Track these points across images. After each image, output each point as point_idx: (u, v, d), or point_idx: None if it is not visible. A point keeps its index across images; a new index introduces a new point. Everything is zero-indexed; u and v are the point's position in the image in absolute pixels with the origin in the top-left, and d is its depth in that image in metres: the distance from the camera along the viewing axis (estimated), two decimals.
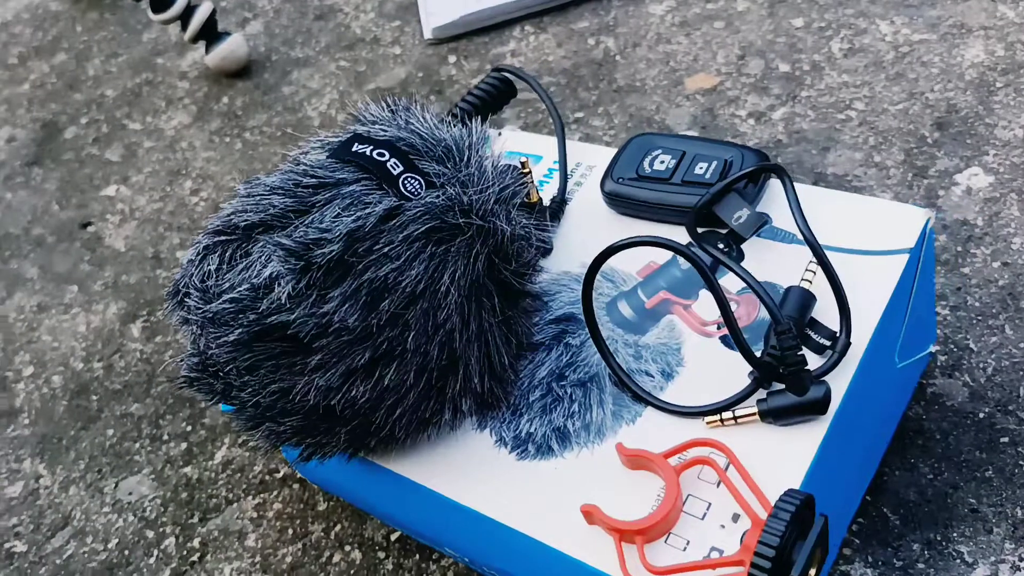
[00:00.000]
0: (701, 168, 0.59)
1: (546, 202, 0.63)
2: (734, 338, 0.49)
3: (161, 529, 0.70)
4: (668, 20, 0.94)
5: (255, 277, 0.46)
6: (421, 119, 0.54)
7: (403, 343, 0.48)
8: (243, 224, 0.49)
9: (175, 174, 0.96)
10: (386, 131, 0.53)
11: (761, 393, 0.51)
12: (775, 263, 0.56)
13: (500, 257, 0.52)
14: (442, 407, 0.52)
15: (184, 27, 1.00)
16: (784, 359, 0.49)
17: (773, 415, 0.49)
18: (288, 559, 0.66)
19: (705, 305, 0.56)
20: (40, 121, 1.07)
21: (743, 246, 0.57)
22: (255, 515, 0.69)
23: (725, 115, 0.83)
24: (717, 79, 0.87)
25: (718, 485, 0.48)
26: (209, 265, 0.48)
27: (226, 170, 0.94)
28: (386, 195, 0.49)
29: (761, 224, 0.56)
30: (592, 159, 0.66)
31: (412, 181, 0.50)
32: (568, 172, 0.66)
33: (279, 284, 0.46)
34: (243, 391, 0.48)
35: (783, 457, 0.49)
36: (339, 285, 0.47)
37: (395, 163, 0.50)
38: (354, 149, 0.51)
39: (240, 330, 0.46)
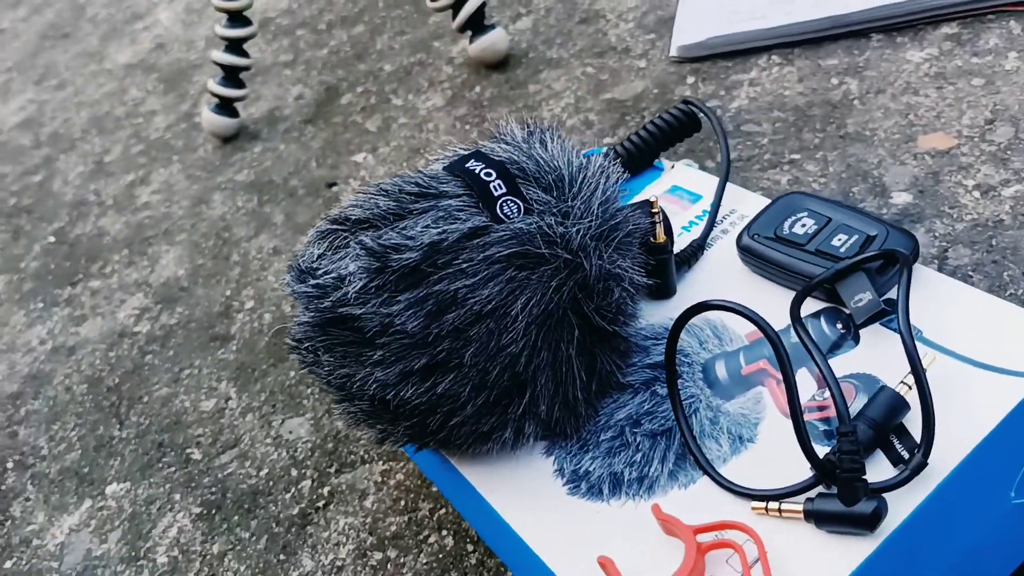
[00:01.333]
0: (840, 240, 0.56)
1: (684, 244, 0.62)
2: (795, 426, 0.47)
3: (303, 471, 0.78)
4: (923, 69, 0.87)
5: (342, 269, 0.50)
6: (546, 145, 0.56)
7: (461, 357, 0.50)
8: (353, 218, 0.53)
9: (415, 152, 1.03)
10: (506, 152, 0.55)
11: (816, 491, 0.47)
12: (887, 357, 0.52)
13: (584, 293, 0.52)
14: (504, 425, 0.54)
15: (455, 16, 1.07)
16: (841, 463, 0.45)
17: (817, 518, 0.46)
18: (392, 528, 0.71)
19: (802, 385, 0.53)
20: (325, 84, 1.19)
21: (864, 331, 0.53)
22: (379, 480, 0.75)
23: (950, 182, 0.76)
24: (955, 141, 0.79)
25: None
26: (317, 249, 0.53)
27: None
28: (479, 214, 0.51)
29: (875, 312, 0.51)
30: (750, 208, 0.64)
31: (511, 204, 0.52)
32: (719, 219, 0.64)
33: (351, 280, 0.50)
34: (321, 368, 0.53)
35: (818, 565, 0.45)
36: (409, 291, 0.50)
37: (499, 184, 0.52)
38: (467, 165, 0.53)
39: (314, 313, 0.50)
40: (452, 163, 0.54)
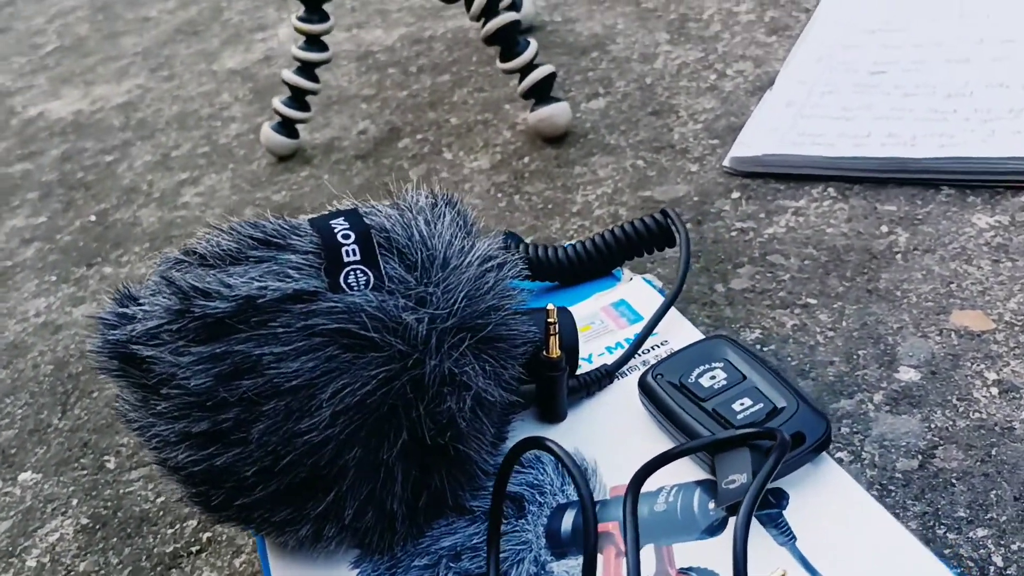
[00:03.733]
0: (741, 405, 0.47)
1: (591, 365, 0.54)
2: None
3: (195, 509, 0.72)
4: (985, 237, 0.75)
5: (149, 302, 0.45)
6: (436, 222, 0.49)
7: (248, 432, 0.44)
8: (197, 252, 0.48)
9: None
10: (385, 218, 0.49)
11: None
12: (753, 554, 0.42)
13: (417, 394, 0.45)
14: (299, 521, 0.47)
15: (520, 81, 1.02)
16: None
17: None
18: None
19: (644, 560, 0.44)
20: (391, 125, 1.17)
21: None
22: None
23: (969, 370, 0.64)
24: (992, 324, 0.67)
25: None
26: (156, 277, 0.48)
27: (481, 217, 0.94)
28: (316, 277, 0.45)
29: (734, 502, 0.42)
30: (684, 341, 0.55)
31: (359, 275, 0.46)
32: (647, 347, 0.55)
33: (148, 317, 0.44)
34: (119, 403, 0.48)
35: None
36: (206, 344, 0.44)
37: (353, 250, 0.46)
38: (331, 222, 0.48)
39: (105, 342, 0.45)
40: (320, 217, 0.49)
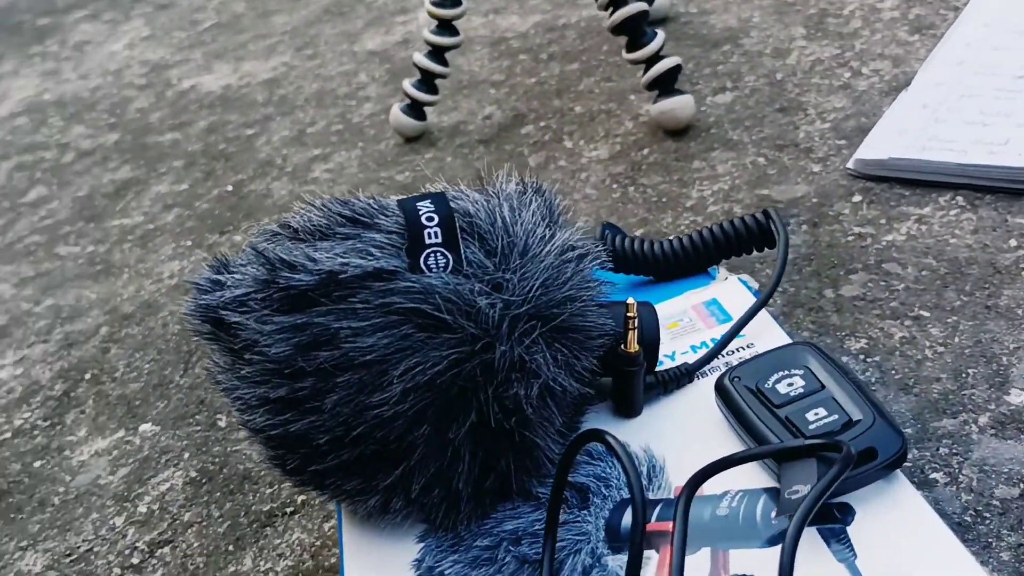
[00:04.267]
0: (815, 415, 0.45)
1: (672, 363, 0.53)
2: None
3: None
4: None
5: (240, 271, 0.48)
6: (521, 209, 0.50)
7: (321, 401, 0.46)
8: (291, 226, 0.50)
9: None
10: (470, 203, 0.49)
11: None
12: (808, 570, 0.41)
13: (487, 378, 0.46)
14: (368, 492, 0.49)
15: (645, 71, 1.01)
16: None
17: None
18: (333, 559, 0.67)
19: (698, 563, 0.44)
20: (516, 111, 1.18)
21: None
22: None
23: None
24: None
25: None
26: (248, 248, 0.51)
27: (591, 210, 0.94)
28: (397, 256, 0.47)
29: (790, 512, 0.41)
30: (771, 345, 0.54)
31: (439, 257, 0.47)
32: (732, 349, 0.55)
33: (237, 285, 0.47)
34: (212, 357, 0.51)
35: None
36: (289, 314, 0.46)
37: (435, 233, 0.47)
38: (418, 204, 0.49)
39: (197, 306, 0.48)
40: (408, 198, 0.50)
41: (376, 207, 0.50)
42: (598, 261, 0.50)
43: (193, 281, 0.50)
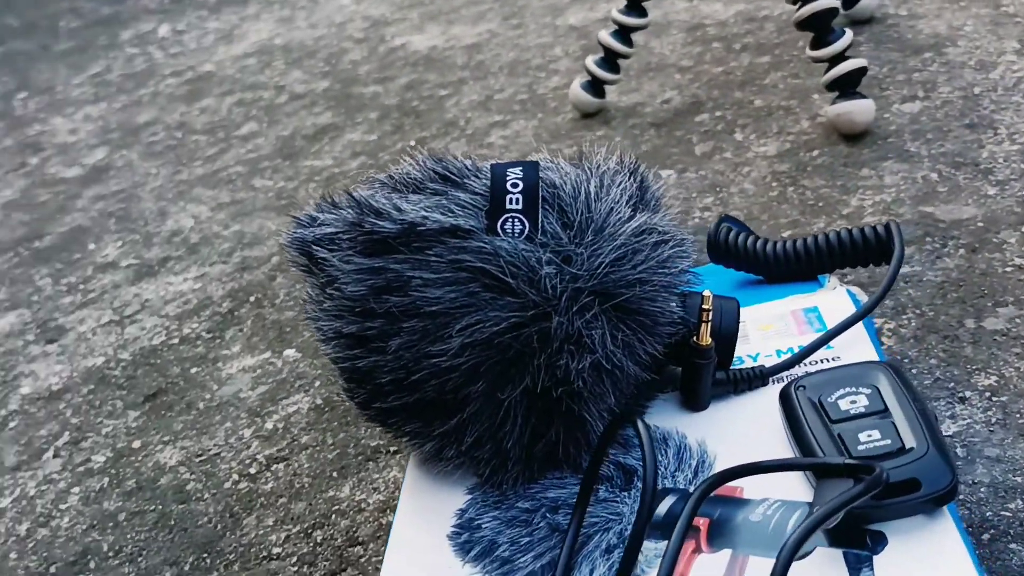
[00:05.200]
0: (868, 437, 0.44)
1: (752, 363, 0.52)
2: None
3: None
4: None
5: (339, 211, 0.51)
6: (606, 184, 0.50)
7: (386, 342, 0.48)
8: (394, 177, 0.53)
9: (710, 188, 0.97)
10: (560, 175, 0.51)
11: None
12: None
13: (542, 346, 0.47)
14: (424, 436, 0.51)
15: (827, 71, 0.98)
16: None
17: None
18: None
19: (715, 561, 0.43)
20: (695, 98, 1.16)
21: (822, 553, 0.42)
22: None
23: None
24: None
25: None
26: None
27: (744, 205, 0.93)
28: (476, 217, 0.48)
29: (841, 535, 0.40)
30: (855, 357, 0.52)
31: (516, 223, 0.48)
32: (817, 359, 0.53)
33: (328, 223, 0.50)
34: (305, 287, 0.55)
35: None
36: (369, 257, 0.49)
37: (517, 199, 0.49)
38: (509, 170, 0.50)
39: (292, 239, 0.52)
40: (503, 163, 0.51)
41: (471, 168, 0.52)
42: (679, 248, 0.50)
43: (294, 214, 0.53)
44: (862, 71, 0.96)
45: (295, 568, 0.71)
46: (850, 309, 0.56)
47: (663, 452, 0.50)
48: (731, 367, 0.53)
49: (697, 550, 0.44)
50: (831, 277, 0.60)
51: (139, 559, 0.76)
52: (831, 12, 0.96)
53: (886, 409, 0.45)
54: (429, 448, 0.51)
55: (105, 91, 1.89)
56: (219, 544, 0.75)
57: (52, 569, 0.78)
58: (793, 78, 1.14)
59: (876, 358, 0.52)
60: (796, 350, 0.54)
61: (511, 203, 0.49)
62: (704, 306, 0.50)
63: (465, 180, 0.50)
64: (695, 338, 0.51)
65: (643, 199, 0.52)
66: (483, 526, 0.49)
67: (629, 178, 0.52)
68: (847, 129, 0.98)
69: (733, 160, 1.01)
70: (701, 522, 0.45)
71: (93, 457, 0.89)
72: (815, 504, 0.42)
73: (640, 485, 0.49)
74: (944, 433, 0.63)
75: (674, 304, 0.50)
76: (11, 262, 1.31)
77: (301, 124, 1.46)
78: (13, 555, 0.80)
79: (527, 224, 0.48)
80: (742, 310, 0.58)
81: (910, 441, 0.43)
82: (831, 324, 0.55)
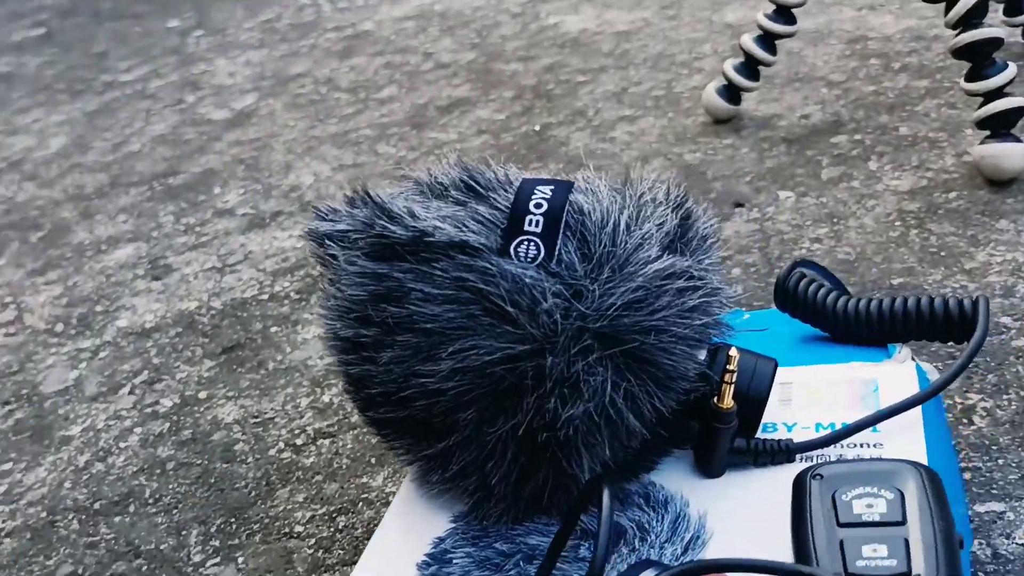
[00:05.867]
0: (874, 551, 0.38)
1: (785, 435, 0.47)
2: None
3: None
4: None
5: (359, 209, 0.49)
6: (642, 217, 0.46)
7: (378, 352, 0.46)
8: (423, 179, 0.50)
9: (827, 218, 0.90)
10: (594, 202, 0.46)
11: None
12: None
13: (535, 383, 0.44)
14: (411, 455, 0.49)
15: (980, 106, 0.88)
16: None
17: None
18: None
19: None
20: (836, 117, 1.08)
21: None
22: None
23: None
24: None
25: None
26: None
27: (858, 242, 0.85)
28: (491, 234, 0.45)
29: None
30: (901, 453, 0.46)
31: (531, 247, 0.45)
32: (859, 442, 0.47)
33: (343, 219, 0.48)
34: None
35: None
36: (375, 261, 0.46)
37: (537, 222, 0.45)
38: (538, 187, 0.47)
39: (309, 230, 0.50)
40: (533, 179, 0.48)
41: (499, 180, 0.48)
42: (711, 297, 0.45)
43: (315, 205, 0.52)
44: (1019, 112, 0.86)
45: (311, 551, 0.70)
46: (913, 389, 0.50)
47: (660, 518, 0.46)
48: (756, 435, 0.48)
49: None
50: (903, 348, 0.53)
51: (174, 511, 0.77)
52: (992, 42, 0.86)
53: (903, 522, 0.39)
54: (415, 469, 0.49)
55: (270, 38, 1.94)
56: (248, 511, 0.75)
57: (96, 505, 0.80)
58: (949, 108, 1.04)
59: (921, 454, 0.45)
60: (838, 426, 0.48)
61: (530, 224, 0.45)
62: (729, 366, 0.45)
63: (490, 193, 0.47)
64: (715, 399, 0.46)
65: (684, 238, 0.47)
66: (454, 561, 0.46)
67: (672, 212, 0.47)
68: (992, 174, 0.88)
69: (860, 191, 0.93)
70: None
71: (162, 400, 0.91)
72: None
73: (626, 546, 0.45)
74: (992, 553, 0.55)
75: (695, 358, 0.45)
76: (144, 195, 1.37)
77: (437, 94, 1.45)
78: (68, 484, 0.83)
79: (542, 250, 0.44)
80: (792, 369, 0.52)
81: (919, 566, 0.37)
82: (887, 403, 0.49)
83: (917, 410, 0.48)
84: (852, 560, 0.38)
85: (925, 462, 0.45)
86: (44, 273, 1.22)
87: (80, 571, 0.74)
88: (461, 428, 0.45)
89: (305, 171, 1.31)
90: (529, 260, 0.44)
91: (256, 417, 0.86)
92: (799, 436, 0.48)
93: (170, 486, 0.80)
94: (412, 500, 0.51)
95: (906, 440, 0.46)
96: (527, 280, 0.43)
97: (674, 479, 0.48)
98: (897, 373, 0.51)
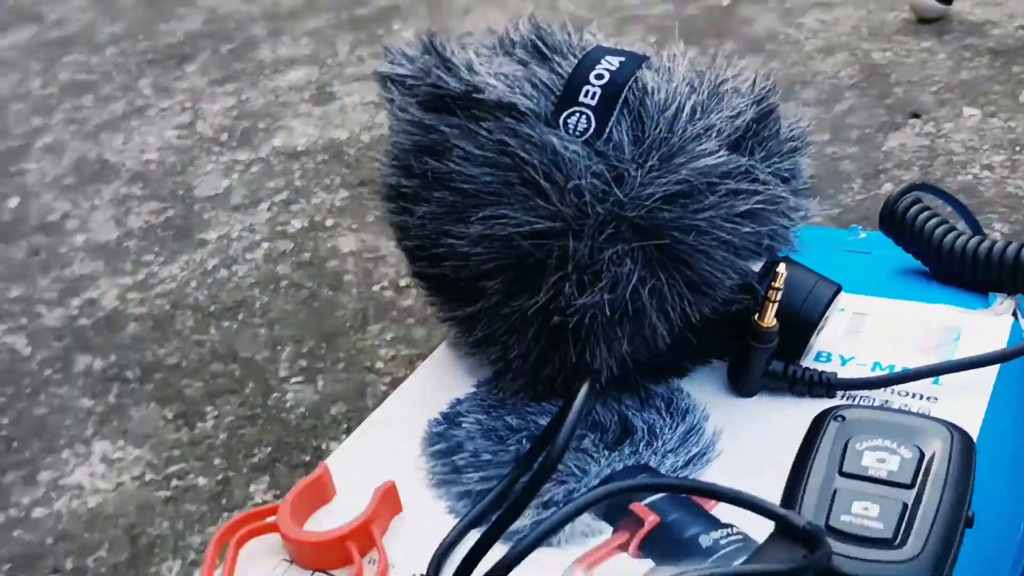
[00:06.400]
0: (864, 509, 0.35)
1: (838, 368, 0.43)
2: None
3: None
4: None
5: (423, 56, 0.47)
6: (712, 107, 0.42)
7: (415, 204, 0.45)
8: (505, 34, 0.48)
9: (1009, 145, 0.80)
10: (663, 80, 0.42)
11: None
12: None
13: (559, 264, 0.41)
14: (443, 313, 0.48)
15: None
16: None
17: None
18: None
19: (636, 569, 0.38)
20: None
21: None
22: None
23: None
24: None
25: None
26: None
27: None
28: (544, 100, 0.42)
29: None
30: (956, 412, 0.41)
31: (581, 119, 0.42)
32: (907, 390, 0.43)
33: (405, 63, 0.47)
34: None
35: None
36: (426, 111, 0.45)
37: (594, 94, 0.42)
38: (607, 57, 0.43)
39: (377, 71, 0.49)
40: (604, 48, 0.44)
41: (570, 45, 0.45)
42: (771, 205, 0.41)
43: (386, 46, 0.50)
44: None
45: (384, 388, 0.72)
46: (1000, 344, 0.44)
47: (673, 427, 0.43)
48: (800, 362, 0.44)
49: (624, 547, 0.38)
50: (1006, 300, 0.47)
51: (275, 326, 0.81)
52: None
53: (910, 485, 0.35)
54: (448, 328, 0.48)
55: None
56: (339, 339, 0.78)
57: (212, 308, 0.85)
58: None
59: (976, 420, 0.40)
60: (898, 370, 0.43)
61: (585, 96, 0.42)
62: (775, 283, 0.41)
63: (555, 56, 0.44)
64: (756, 317, 0.42)
65: (758, 136, 0.42)
66: (463, 425, 0.46)
67: (751, 107, 0.42)
68: None
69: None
70: (650, 519, 0.39)
71: (293, 221, 0.95)
72: (751, 558, 0.34)
73: (630, 447, 0.43)
74: None
75: (741, 267, 0.41)
76: (328, 22, 1.39)
77: None
78: (193, 284, 0.89)
79: (593, 124, 0.41)
80: (871, 299, 0.48)
81: (905, 536, 0.33)
82: (964, 355, 0.43)
83: (992, 370, 0.42)
84: (837, 513, 0.34)
85: (978, 429, 0.40)
86: (223, 84, 1.27)
87: (183, 364, 0.79)
88: (488, 296, 0.44)
89: (481, 19, 1.29)
90: (577, 133, 0.41)
91: (372, 252, 0.88)
92: (851, 372, 0.44)
93: (277, 303, 0.84)
94: (443, 362, 0.51)
95: (965, 400, 0.41)
96: (567, 155, 0.40)
97: (705, 390, 0.45)
98: (987, 325, 0.45)
